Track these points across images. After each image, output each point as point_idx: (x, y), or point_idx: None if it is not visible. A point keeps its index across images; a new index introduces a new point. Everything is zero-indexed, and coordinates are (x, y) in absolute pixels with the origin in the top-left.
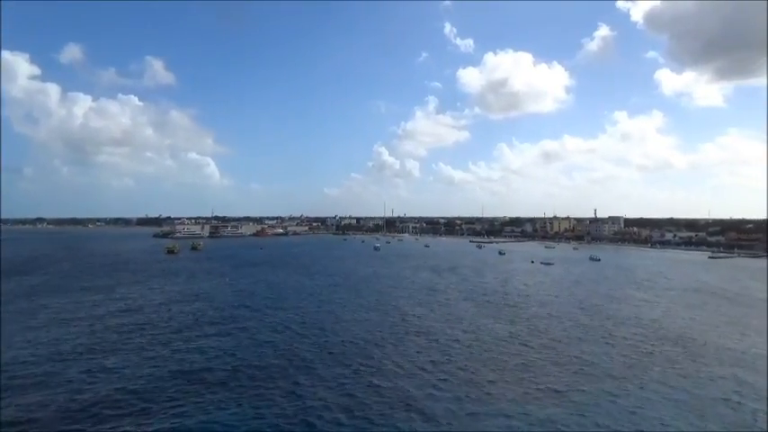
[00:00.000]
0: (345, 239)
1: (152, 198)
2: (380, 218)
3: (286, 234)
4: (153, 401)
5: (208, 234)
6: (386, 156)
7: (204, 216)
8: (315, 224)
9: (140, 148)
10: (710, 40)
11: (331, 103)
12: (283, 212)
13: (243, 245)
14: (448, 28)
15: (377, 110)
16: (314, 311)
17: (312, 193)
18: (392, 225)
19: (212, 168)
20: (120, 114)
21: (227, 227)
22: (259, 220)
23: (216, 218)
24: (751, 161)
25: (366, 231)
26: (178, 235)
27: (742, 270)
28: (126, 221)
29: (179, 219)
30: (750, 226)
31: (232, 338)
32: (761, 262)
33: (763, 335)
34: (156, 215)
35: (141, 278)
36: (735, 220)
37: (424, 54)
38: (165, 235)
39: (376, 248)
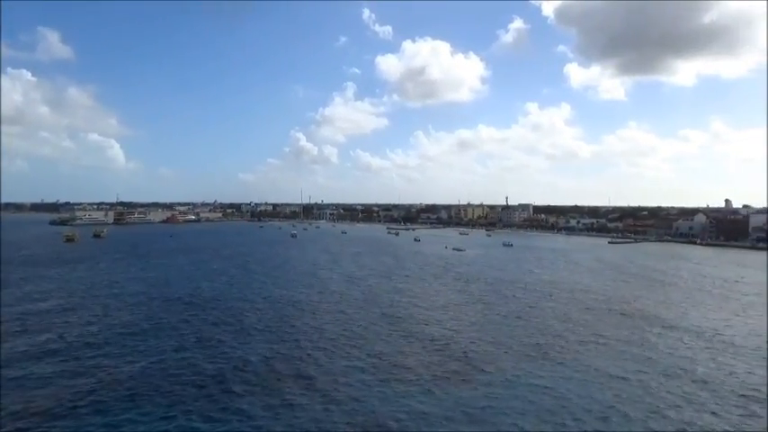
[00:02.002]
0: (262, 226)
1: (48, 182)
2: (298, 204)
3: (198, 221)
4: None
5: (112, 221)
6: (303, 141)
7: (108, 202)
8: (229, 210)
9: (34, 127)
10: (614, 37)
11: (247, 87)
12: (196, 198)
13: (151, 232)
14: (366, 14)
15: (294, 95)
16: (225, 299)
17: (227, 178)
18: (309, 212)
19: (116, 151)
20: (11, 90)
21: (133, 213)
22: (169, 207)
23: (121, 204)
24: (647, 152)
25: (283, 218)
26: (79, 222)
27: (635, 251)
28: (18, 207)
29: (80, 204)
30: (645, 213)
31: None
32: (654, 246)
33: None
34: (54, 200)
35: (30, 271)
36: (632, 207)
37: (343, 39)
38: (63, 222)
39: (293, 235)
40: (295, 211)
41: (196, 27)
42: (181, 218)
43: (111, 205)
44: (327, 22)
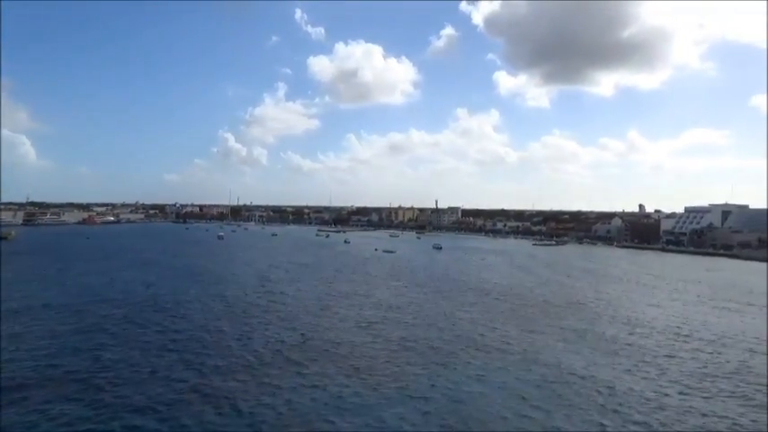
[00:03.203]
0: (187, 228)
1: None
2: (225, 206)
3: (118, 222)
4: None
5: (21, 222)
6: (232, 142)
7: (17, 202)
8: (152, 212)
9: None
10: (540, 47)
11: (172, 84)
12: (116, 199)
13: (66, 234)
14: (299, 14)
15: (223, 94)
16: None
17: (150, 178)
18: (238, 213)
19: (27, 148)
20: None
21: (46, 214)
22: (86, 207)
23: (32, 204)
24: (569, 159)
25: (210, 220)
26: None
27: (557, 252)
28: None
29: None
30: (566, 217)
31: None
32: (574, 248)
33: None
34: None
35: None
36: (554, 211)
37: (275, 38)
38: None
39: (219, 237)
40: (223, 213)
41: (119, 20)
42: (99, 219)
43: (21, 205)
44: (258, 20)
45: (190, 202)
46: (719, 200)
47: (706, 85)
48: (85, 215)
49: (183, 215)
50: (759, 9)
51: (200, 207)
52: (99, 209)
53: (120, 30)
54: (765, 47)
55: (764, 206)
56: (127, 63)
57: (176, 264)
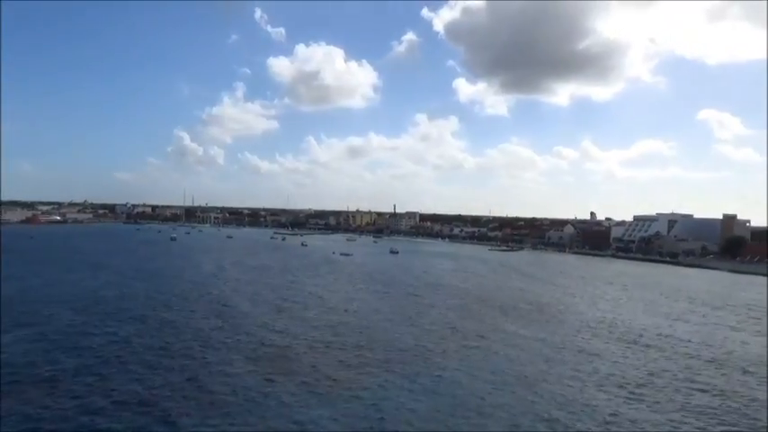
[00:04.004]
0: (138, 229)
1: None
2: (180, 207)
3: (65, 222)
4: None
5: None
6: (188, 141)
7: None
8: (101, 211)
9: None
10: (499, 56)
11: (125, 79)
12: (62, 197)
13: (7, 234)
14: (258, 14)
15: (179, 92)
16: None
17: (100, 176)
18: (192, 214)
19: None
20: None
21: None
22: (30, 206)
23: None
24: (526, 166)
25: (163, 220)
26: None
27: (512, 258)
28: None
29: None
30: (521, 223)
31: None
32: (528, 253)
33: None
34: None
35: None
36: (510, 217)
37: (234, 37)
38: None
39: (172, 239)
40: (176, 214)
41: (70, 12)
42: (43, 218)
43: None
44: (216, 19)
45: (142, 202)
46: (666, 209)
47: (656, 99)
48: (29, 214)
49: (135, 216)
50: (706, 27)
51: (153, 207)
52: (44, 207)
53: (68, 24)
54: (712, 63)
55: (708, 216)
56: (72, 57)
57: (125, 266)
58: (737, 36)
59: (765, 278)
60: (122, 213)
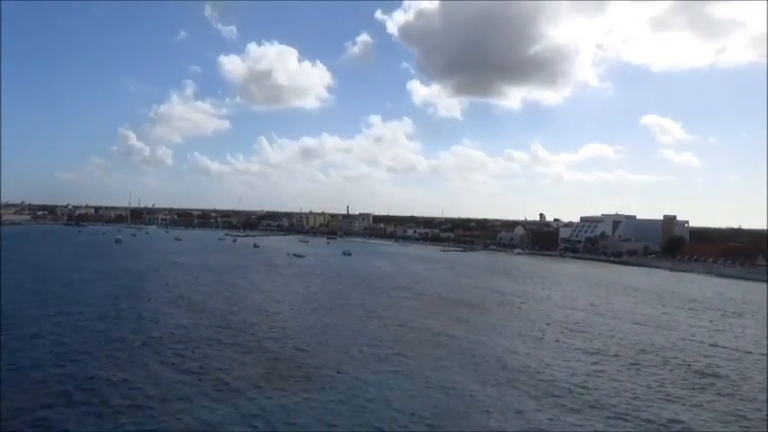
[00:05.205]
0: (80, 231)
1: None
2: (125, 208)
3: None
4: None
5: None
6: (134, 140)
7: None
8: (41, 213)
9: None
10: (452, 59)
11: (66, 75)
12: None
13: None
14: (208, 11)
15: (124, 89)
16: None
17: (39, 176)
18: (139, 216)
19: None
20: None
21: None
22: None
23: None
24: (478, 168)
25: (107, 222)
26: None
27: (465, 258)
28: None
29: None
30: (473, 224)
31: None
32: (480, 254)
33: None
34: None
35: None
36: (462, 219)
37: (182, 33)
38: None
39: (117, 241)
40: (122, 216)
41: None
42: None
43: None
44: (163, 14)
45: (84, 204)
46: (611, 211)
47: (603, 104)
48: None
49: (77, 217)
50: (651, 35)
51: (96, 209)
52: None
53: (7, 21)
54: (656, 70)
55: (650, 217)
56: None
57: (61, 266)
58: (680, 45)
59: (700, 275)
60: (63, 215)
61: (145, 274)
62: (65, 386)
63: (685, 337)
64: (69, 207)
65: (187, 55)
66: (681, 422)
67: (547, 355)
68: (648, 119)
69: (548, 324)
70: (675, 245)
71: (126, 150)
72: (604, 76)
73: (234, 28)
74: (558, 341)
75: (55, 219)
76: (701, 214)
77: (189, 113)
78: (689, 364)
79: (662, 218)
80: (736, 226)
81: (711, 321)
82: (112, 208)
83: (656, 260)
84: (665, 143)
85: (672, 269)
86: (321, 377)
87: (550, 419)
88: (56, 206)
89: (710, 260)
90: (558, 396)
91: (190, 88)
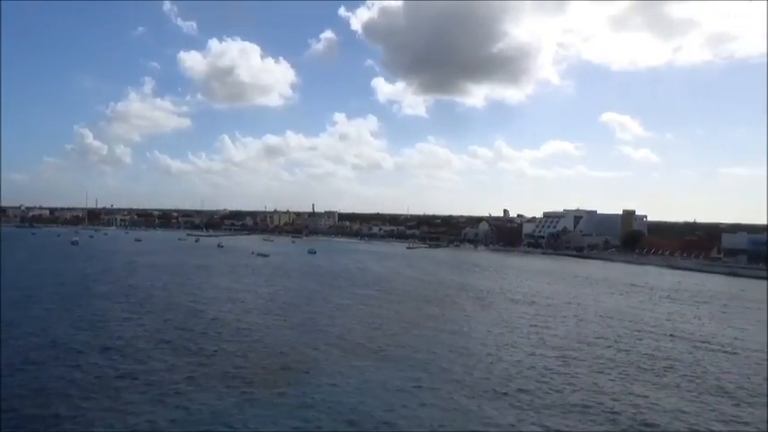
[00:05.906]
0: (34, 233)
1: None
2: (82, 209)
3: None
4: None
5: None
6: (90, 139)
7: None
8: None
9: None
10: (417, 57)
11: (16, 71)
12: None
13: None
14: (167, 6)
15: (79, 85)
16: None
17: None
18: (96, 217)
19: None
20: None
21: None
22: None
23: None
24: (443, 165)
25: (62, 224)
26: None
27: (430, 254)
28: None
29: None
30: (438, 221)
31: None
32: (445, 250)
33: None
34: None
35: None
36: (428, 215)
37: (140, 29)
38: None
39: (74, 243)
40: (78, 217)
41: None
42: None
43: None
44: (120, 8)
45: (38, 205)
46: (573, 206)
47: (564, 101)
48: None
49: (30, 219)
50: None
51: (51, 210)
52: None
53: None
54: (615, 68)
55: (610, 212)
56: None
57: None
58: (638, 44)
59: (658, 268)
60: (16, 217)
61: (102, 276)
62: None
63: (645, 328)
64: (22, 208)
65: (146, 51)
66: (647, 399)
67: (513, 349)
68: (608, 116)
69: (516, 317)
70: (634, 239)
71: (82, 149)
72: (565, 75)
73: (194, 23)
74: (525, 333)
75: (7, 220)
76: (659, 209)
77: (148, 111)
78: (651, 354)
79: (621, 213)
80: (691, 220)
81: (670, 313)
82: (69, 209)
83: (616, 254)
84: (623, 140)
85: (628, 262)
86: (286, 378)
87: (514, 416)
88: (8, 208)
89: (668, 253)
90: (523, 391)
91: (149, 85)
